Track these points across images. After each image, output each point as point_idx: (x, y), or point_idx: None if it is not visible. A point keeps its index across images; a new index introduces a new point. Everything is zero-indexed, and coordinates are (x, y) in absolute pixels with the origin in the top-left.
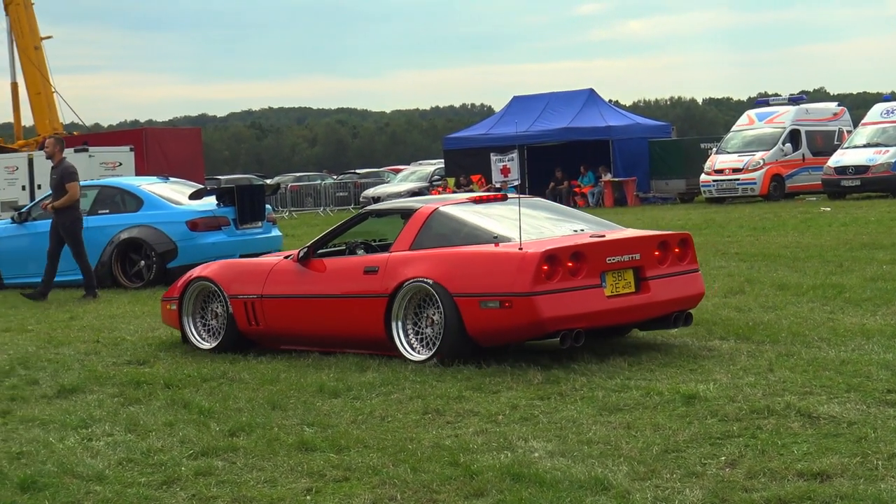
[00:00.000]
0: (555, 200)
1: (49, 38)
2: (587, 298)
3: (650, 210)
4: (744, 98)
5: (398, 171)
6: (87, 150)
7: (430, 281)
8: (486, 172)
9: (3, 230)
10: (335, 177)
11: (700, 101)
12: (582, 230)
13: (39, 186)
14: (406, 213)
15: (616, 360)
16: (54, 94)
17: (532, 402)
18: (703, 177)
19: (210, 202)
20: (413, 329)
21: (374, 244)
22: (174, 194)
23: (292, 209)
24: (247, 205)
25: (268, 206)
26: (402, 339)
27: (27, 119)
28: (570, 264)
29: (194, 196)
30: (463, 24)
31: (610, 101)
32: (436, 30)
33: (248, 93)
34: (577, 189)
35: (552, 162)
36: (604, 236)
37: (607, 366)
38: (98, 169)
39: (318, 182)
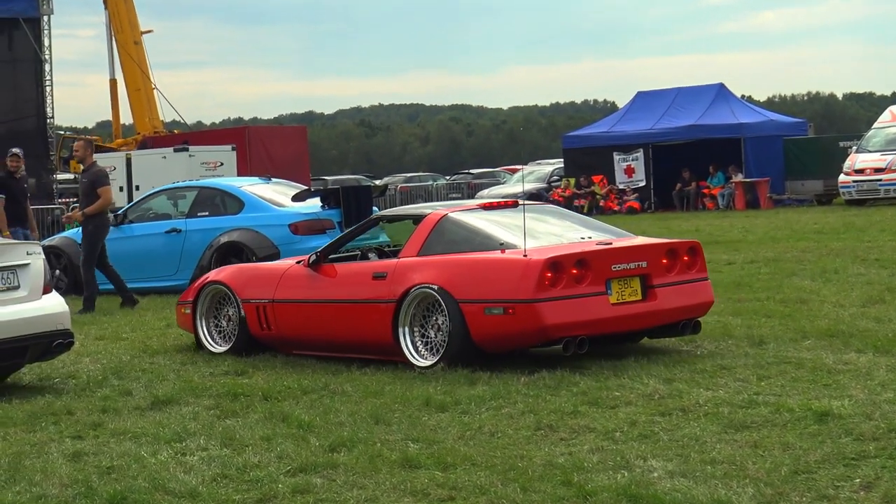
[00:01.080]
0: (682, 202)
1: (149, 32)
2: (591, 306)
3: (784, 213)
4: (887, 93)
5: (514, 171)
6: (187, 150)
7: (436, 287)
8: (609, 173)
9: None
10: (447, 178)
11: (840, 96)
12: (590, 238)
13: (137, 187)
14: (416, 219)
15: (744, 373)
16: (154, 91)
17: (652, 418)
18: (841, 177)
19: (314, 204)
20: (420, 334)
21: (387, 249)
22: (277, 196)
23: None
24: (353, 207)
25: (375, 208)
26: (408, 345)
27: (126, 117)
28: (574, 271)
29: (298, 197)
30: (584, 17)
31: (742, 96)
32: (555, 23)
33: (358, 89)
34: (705, 190)
35: (679, 162)
36: (610, 244)
37: (734, 380)
38: (198, 169)
39: (430, 183)
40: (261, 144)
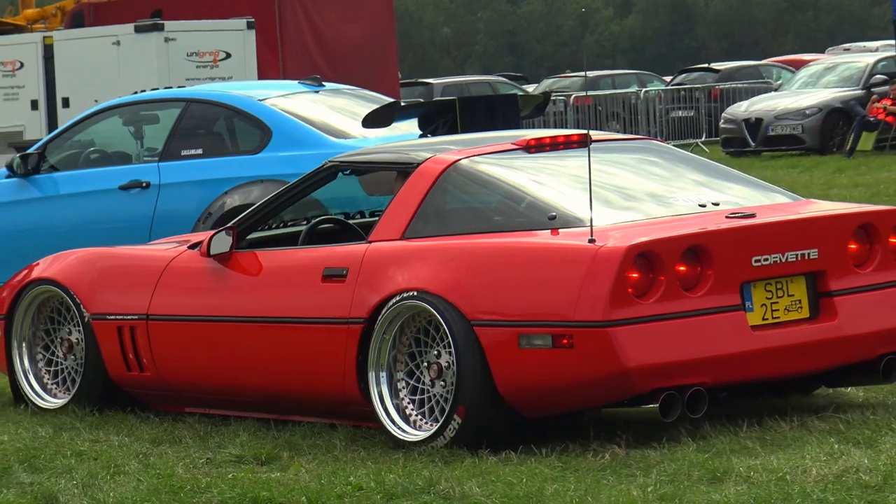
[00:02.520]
0: None
1: None
2: (714, 332)
3: None
4: None
5: (800, 64)
6: (161, 28)
7: (433, 296)
8: None
9: None
10: (667, 80)
11: None
12: (716, 204)
13: (66, 102)
14: (402, 170)
15: None
16: None
17: None
18: None
19: (407, 132)
20: (406, 382)
21: (351, 222)
22: (333, 117)
23: None
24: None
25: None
26: (385, 401)
27: None
28: (681, 269)
29: (374, 120)
30: None
31: None
32: None
33: None
34: None
35: None
36: (753, 216)
37: None
38: (183, 65)
39: (634, 90)
40: (303, 15)
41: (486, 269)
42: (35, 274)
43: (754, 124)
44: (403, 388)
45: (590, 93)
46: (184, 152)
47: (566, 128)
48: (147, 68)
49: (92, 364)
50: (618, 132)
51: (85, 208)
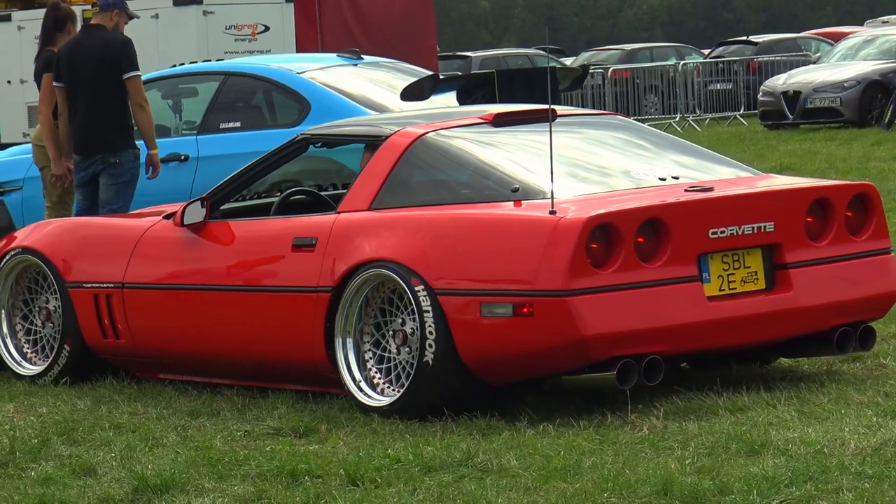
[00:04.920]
0: None
1: None
2: (671, 302)
3: None
4: None
5: (839, 36)
6: (199, 2)
7: (398, 265)
8: None
9: None
10: (705, 53)
11: None
12: (676, 178)
13: None
14: (370, 142)
15: None
16: None
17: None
18: None
19: (446, 104)
20: (373, 350)
21: (323, 195)
22: (372, 90)
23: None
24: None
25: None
26: (351, 367)
27: None
28: (639, 240)
29: (413, 92)
30: None
31: None
32: None
33: None
34: None
35: None
36: (711, 190)
37: None
38: (221, 39)
39: (672, 62)
40: None
41: (450, 240)
42: (14, 243)
43: (792, 97)
44: (370, 356)
45: (628, 66)
46: (222, 125)
47: (605, 101)
48: (185, 42)
49: (72, 331)
50: (655, 106)
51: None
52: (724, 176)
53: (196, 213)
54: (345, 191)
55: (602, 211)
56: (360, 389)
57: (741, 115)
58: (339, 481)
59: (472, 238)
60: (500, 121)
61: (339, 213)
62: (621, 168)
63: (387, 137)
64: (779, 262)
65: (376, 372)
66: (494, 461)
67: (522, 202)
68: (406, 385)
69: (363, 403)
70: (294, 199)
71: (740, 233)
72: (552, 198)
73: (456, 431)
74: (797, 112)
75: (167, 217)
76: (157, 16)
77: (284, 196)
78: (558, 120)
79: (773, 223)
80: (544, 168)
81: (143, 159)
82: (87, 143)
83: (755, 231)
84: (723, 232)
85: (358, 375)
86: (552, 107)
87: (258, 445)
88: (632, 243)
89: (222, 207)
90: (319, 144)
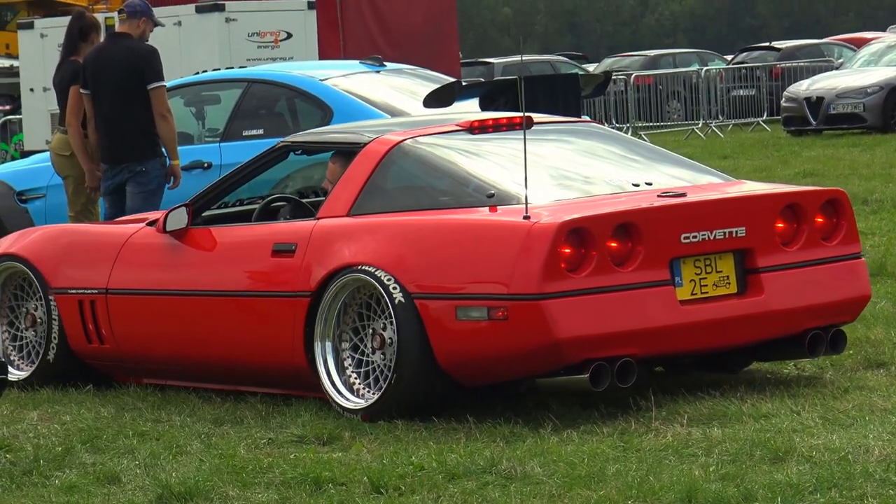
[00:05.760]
0: None
1: None
2: (643, 305)
3: None
4: None
5: (862, 42)
6: (222, 8)
7: (376, 270)
8: None
9: None
10: (728, 59)
11: None
12: (649, 185)
13: None
14: (347, 150)
15: None
16: None
17: None
18: None
19: (468, 111)
20: (352, 354)
21: (304, 202)
22: (395, 97)
23: (638, 124)
24: (543, 114)
25: (586, 116)
26: (329, 371)
27: None
28: (612, 244)
29: (436, 99)
30: None
31: None
32: None
33: None
34: None
35: None
36: (683, 196)
37: None
38: (244, 46)
39: (694, 69)
40: None
41: (427, 245)
42: (2, 250)
43: (815, 103)
44: (349, 360)
45: (650, 72)
46: (245, 133)
47: (627, 107)
48: (208, 49)
49: (57, 336)
50: (678, 112)
51: None
52: (697, 182)
53: (178, 220)
54: (324, 198)
55: (575, 216)
56: (339, 392)
57: (764, 121)
58: (363, 489)
59: (448, 243)
60: (477, 128)
61: (318, 219)
62: (596, 174)
63: (365, 145)
64: (750, 267)
65: (355, 376)
66: (518, 468)
67: (498, 208)
68: (384, 388)
69: (341, 406)
70: (275, 206)
71: (712, 237)
72: (526, 203)
73: (480, 438)
74: (820, 118)
75: (150, 224)
76: (179, 23)
77: (265, 203)
78: (534, 127)
79: (744, 228)
80: (520, 174)
81: None
82: (113, 152)
83: (727, 236)
84: (695, 237)
85: (336, 379)
86: (528, 114)
87: (282, 453)
88: (605, 248)
89: (204, 214)
90: (299, 152)
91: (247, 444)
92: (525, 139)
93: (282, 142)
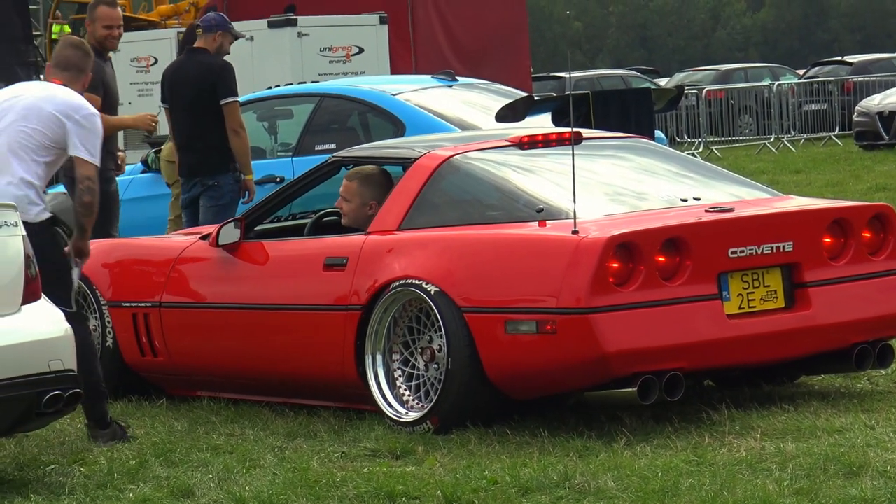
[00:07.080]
0: None
1: None
2: (691, 319)
3: None
4: None
5: None
6: (295, 23)
7: (427, 285)
8: None
9: None
10: (800, 73)
11: None
12: (697, 199)
13: None
14: (399, 164)
15: None
16: None
17: None
18: None
19: (540, 124)
20: (402, 368)
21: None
22: (467, 111)
23: (710, 138)
24: (616, 129)
25: (659, 132)
26: (380, 383)
27: None
28: (660, 259)
29: (507, 114)
30: None
31: None
32: None
33: None
34: None
35: None
36: (731, 210)
37: None
38: (316, 61)
39: (766, 83)
40: (434, 10)
41: (477, 259)
42: None
43: (888, 117)
44: (399, 373)
45: (722, 86)
46: (318, 147)
47: (699, 122)
48: (280, 63)
49: (110, 348)
50: (750, 126)
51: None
52: (745, 197)
53: (231, 234)
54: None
55: (623, 230)
56: (390, 405)
57: (836, 136)
58: (437, 503)
59: (497, 257)
60: (526, 144)
61: (369, 233)
62: (644, 189)
63: (416, 160)
64: (798, 281)
65: (405, 389)
66: (592, 483)
67: (547, 222)
68: (434, 401)
69: (392, 419)
70: (326, 220)
71: (760, 252)
72: (575, 218)
73: (553, 453)
74: (893, 132)
75: (203, 237)
76: (252, 38)
77: (317, 217)
78: (583, 143)
79: (792, 243)
80: (568, 189)
81: None
82: (187, 166)
83: (774, 251)
84: (742, 251)
85: (388, 392)
86: (577, 129)
87: (355, 467)
88: (653, 262)
89: (256, 228)
90: (351, 166)
91: (320, 457)
92: (574, 154)
93: (333, 156)
